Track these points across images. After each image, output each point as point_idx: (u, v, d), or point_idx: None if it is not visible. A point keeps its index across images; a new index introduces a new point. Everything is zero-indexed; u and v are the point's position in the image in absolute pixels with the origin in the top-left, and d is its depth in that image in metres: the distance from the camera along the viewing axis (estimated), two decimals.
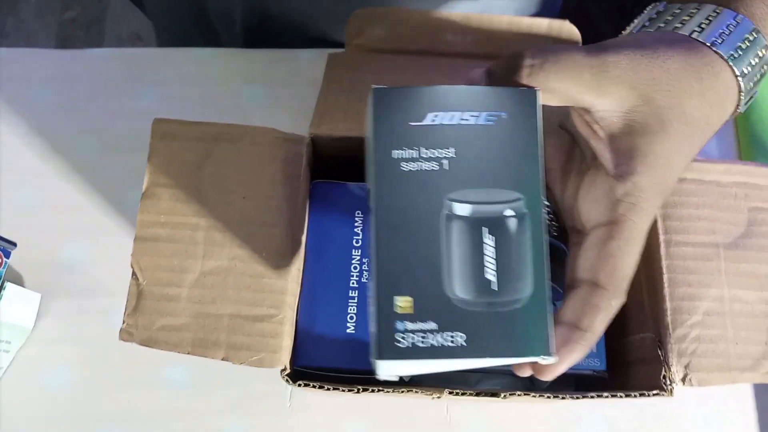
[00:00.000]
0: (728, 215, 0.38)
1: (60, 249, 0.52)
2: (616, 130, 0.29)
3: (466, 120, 0.29)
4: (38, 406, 0.48)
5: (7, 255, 0.49)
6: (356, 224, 0.40)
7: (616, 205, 0.29)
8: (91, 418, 0.48)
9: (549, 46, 0.29)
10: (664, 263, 0.37)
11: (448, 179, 0.28)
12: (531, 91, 0.29)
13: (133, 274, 0.35)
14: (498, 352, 0.27)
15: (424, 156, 0.29)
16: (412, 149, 0.29)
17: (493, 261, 0.28)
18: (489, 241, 0.28)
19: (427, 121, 0.29)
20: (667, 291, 0.37)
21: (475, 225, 0.28)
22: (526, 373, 0.30)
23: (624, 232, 0.29)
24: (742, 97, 0.31)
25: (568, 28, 0.44)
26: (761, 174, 0.39)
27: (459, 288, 0.27)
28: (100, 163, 0.54)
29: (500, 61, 0.29)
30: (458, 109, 0.29)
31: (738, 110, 0.32)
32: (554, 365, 0.29)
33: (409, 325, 0.27)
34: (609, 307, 0.29)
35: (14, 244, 0.49)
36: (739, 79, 0.30)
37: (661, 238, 0.37)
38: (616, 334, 0.42)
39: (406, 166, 0.28)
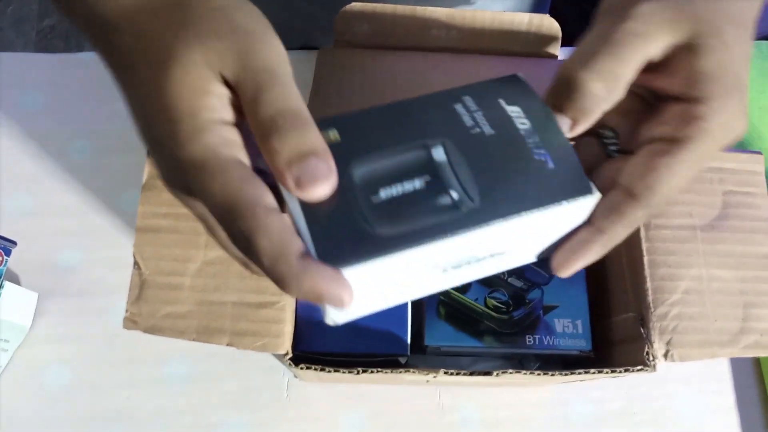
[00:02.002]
0: (704, 199, 0.40)
1: (56, 250, 0.52)
2: (678, 62, 0.28)
3: None
4: (38, 405, 0.49)
5: (8, 253, 0.49)
6: None
7: (685, 125, 0.27)
8: (92, 417, 0.49)
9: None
10: (644, 246, 0.38)
11: None
12: None
13: (135, 264, 0.35)
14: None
15: None
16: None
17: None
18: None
19: None
20: (648, 272, 0.38)
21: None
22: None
23: (682, 151, 0.27)
24: None
25: (548, 23, 0.46)
26: (733, 159, 0.41)
27: None
28: (93, 165, 0.55)
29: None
30: None
31: None
32: (570, 261, 0.28)
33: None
34: (635, 217, 0.27)
35: (14, 243, 0.50)
36: None
37: None
38: (600, 315, 0.44)
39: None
